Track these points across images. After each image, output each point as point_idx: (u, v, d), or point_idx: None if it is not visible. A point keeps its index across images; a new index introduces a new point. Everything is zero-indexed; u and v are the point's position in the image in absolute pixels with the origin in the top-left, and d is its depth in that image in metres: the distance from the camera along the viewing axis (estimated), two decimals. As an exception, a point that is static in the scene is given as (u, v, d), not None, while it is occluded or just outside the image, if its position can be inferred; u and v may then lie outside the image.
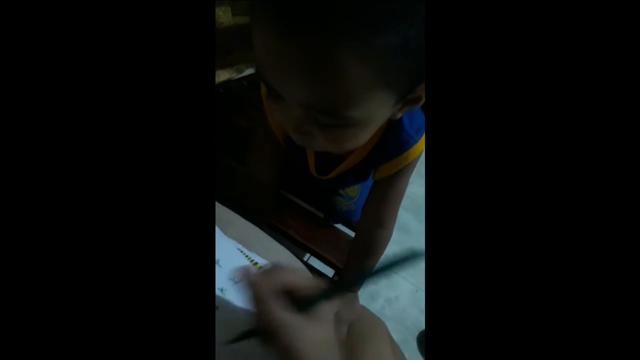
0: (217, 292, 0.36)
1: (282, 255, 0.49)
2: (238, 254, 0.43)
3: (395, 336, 0.55)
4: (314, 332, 0.23)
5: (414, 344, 0.99)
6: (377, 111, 0.28)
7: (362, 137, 0.32)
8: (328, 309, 0.25)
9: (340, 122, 0.28)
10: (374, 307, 1.03)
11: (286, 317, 0.23)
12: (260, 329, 0.24)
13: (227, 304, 0.34)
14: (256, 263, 0.44)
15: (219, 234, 0.42)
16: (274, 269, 0.25)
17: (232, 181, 0.71)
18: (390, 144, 0.44)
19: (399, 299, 1.07)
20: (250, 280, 0.24)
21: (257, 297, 0.24)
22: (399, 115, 0.34)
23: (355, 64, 0.22)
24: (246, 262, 0.42)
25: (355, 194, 0.69)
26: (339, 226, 0.76)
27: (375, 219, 0.54)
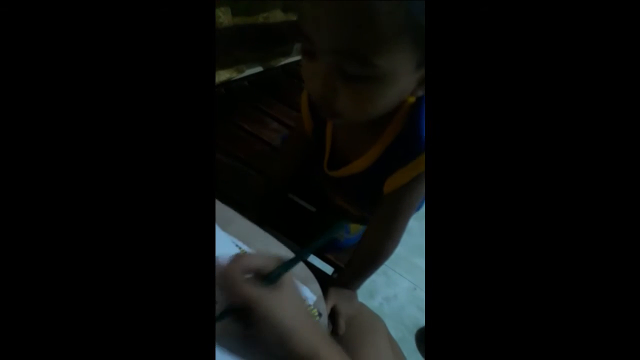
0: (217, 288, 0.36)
1: (282, 252, 0.49)
2: (238, 252, 0.43)
3: (393, 334, 0.56)
4: (283, 298, 0.27)
5: (412, 342, 0.99)
6: (401, 67, 0.30)
7: (384, 101, 0.33)
8: (288, 277, 0.29)
9: (366, 72, 0.30)
10: (373, 304, 1.04)
11: (258, 291, 0.26)
12: (236, 307, 0.28)
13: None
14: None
15: (218, 232, 0.42)
16: (238, 256, 0.29)
17: (231, 180, 0.72)
18: (405, 144, 0.41)
19: (397, 297, 1.07)
20: (221, 267, 0.28)
21: (229, 280, 0.27)
22: (420, 93, 0.35)
23: (385, 6, 0.25)
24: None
25: (355, 232, 0.67)
26: (338, 225, 0.75)
27: (384, 233, 0.51)
